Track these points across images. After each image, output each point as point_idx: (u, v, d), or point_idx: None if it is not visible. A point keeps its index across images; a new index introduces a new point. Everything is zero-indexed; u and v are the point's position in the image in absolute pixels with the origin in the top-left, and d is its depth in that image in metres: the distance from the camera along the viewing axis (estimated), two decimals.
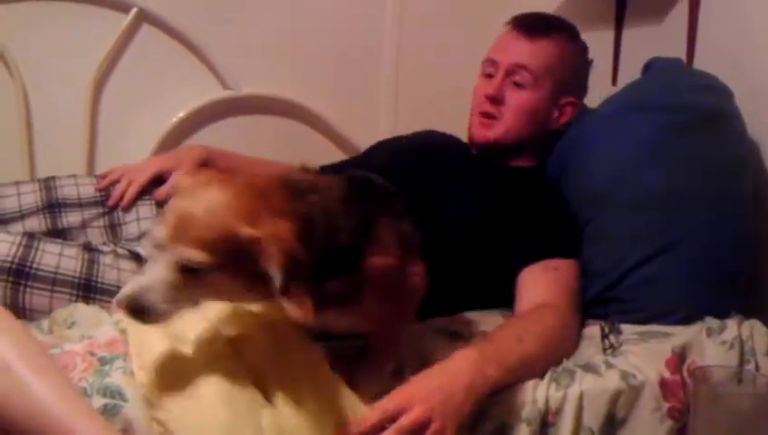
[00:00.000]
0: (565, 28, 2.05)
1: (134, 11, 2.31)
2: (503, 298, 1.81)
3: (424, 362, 1.50)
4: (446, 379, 1.41)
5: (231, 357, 1.37)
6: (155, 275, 1.22)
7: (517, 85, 1.96)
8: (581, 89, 2.06)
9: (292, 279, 1.21)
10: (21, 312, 1.65)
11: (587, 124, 1.98)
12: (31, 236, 1.72)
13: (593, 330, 1.73)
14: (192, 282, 1.22)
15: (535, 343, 1.56)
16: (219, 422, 1.28)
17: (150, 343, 1.36)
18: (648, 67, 2.03)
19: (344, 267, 1.32)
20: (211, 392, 1.30)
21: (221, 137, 2.38)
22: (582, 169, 1.91)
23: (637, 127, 1.87)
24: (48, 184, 2.00)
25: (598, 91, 2.09)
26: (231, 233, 1.20)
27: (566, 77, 2.00)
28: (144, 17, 2.33)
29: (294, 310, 1.22)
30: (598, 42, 2.05)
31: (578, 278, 1.79)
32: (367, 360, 1.46)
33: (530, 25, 2.00)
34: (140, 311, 1.22)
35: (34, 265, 1.67)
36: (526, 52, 1.97)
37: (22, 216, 1.93)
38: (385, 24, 2.53)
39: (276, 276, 1.20)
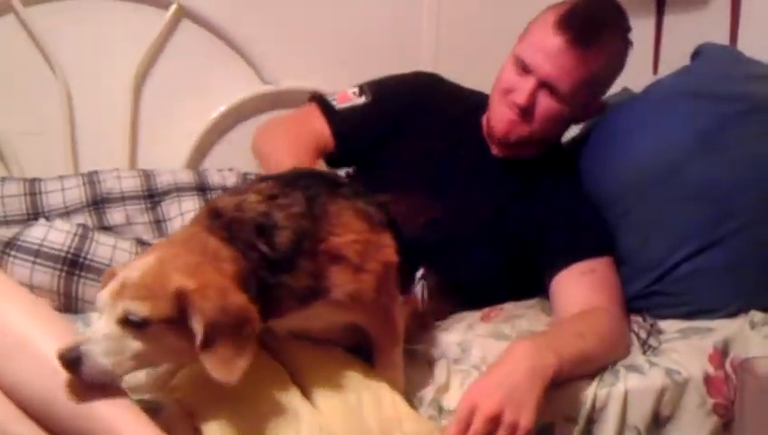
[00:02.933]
0: (616, 24, 1.85)
1: (174, 7, 2.32)
2: (530, 290, 1.82)
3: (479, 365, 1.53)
4: (506, 370, 1.42)
5: (267, 358, 1.39)
6: (96, 330, 1.24)
7: (550, 93, 1.79)
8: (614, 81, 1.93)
9: (219, 335, 1.20)
10: (74, 302, 1.68)
11: (630, 110, 1.94)
12: (86, 227, 1.74)
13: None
14: (137, 337, 1.23)
15: (594, 341, 1.55)
16: (259, 425, 1.29)
17: None
18: (698, 54, 1.99)
19: (300, 256, 1.31)
20: (250, 394, 1.32)
21: None
22: (625, 155, 1.86)
23: (689, 115, 1.83)
24: (91, 178, 2.02)
25: (637, 79, 2.06)
26: (168, 286, 1.22)
27: (605, 81, 1.88)
28: (184, 13, 2.33)
29: (216, 369, 1.21)
30: (638, 29, 2.00)
31: (616, 275, 1.76)
32: (375, 352, 1.46)
33: (579, 33, 1.75)
34: (74, 363, 1.21)
35: (89, 257, 1.69)
36: (567, 69, 1.76)
37: (67, 212, 1.95)
38: (423, 18, 2.52)
39: (198, 331, 1.21)
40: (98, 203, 1.98)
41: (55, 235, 1.68)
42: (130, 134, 2.35)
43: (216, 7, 2.34)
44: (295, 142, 1.90)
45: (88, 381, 1.22)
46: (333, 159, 1.98)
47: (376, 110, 1.98)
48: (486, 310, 1.77)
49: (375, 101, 1.98)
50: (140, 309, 1.20)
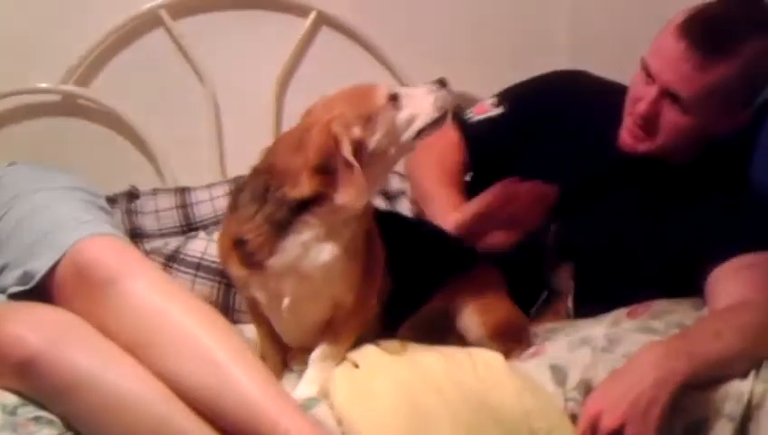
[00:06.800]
0: (754, 27, 1.65)
1: (313, 14, 2.38)
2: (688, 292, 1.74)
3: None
4: (632, 379, 1.39)
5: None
6: None
7: (673, 102, 1.67)
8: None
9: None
10: (230, 312, 1.75)
11: None
12: None
13: None
14: None
15: (734, 339, 1.48)
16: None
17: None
18: None
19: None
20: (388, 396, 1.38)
21: None
22: None
23: None
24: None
25: None
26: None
27: (743, 89, 1.70)
28: (323, 20, 2.39)
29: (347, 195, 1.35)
30: None
31: None
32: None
33: (701, 38, 1.62)
34: None
35: None
36: (687, 77, 1.63)
37: (217, 221, 2.02)
38: (557, 15, 2.50)
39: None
40: None
41: (215, 248, 1.76)
42: (274, 139, 2.41)
43: (354, 13, 2.39)
44: (441, 169, 1.93)
45: None
46: (472, 168, 1.99)
47: (512, 119, 1.95)
48: (633, 307, 1.72)
49: (512, 110, 1.96)
50: None
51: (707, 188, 1.78)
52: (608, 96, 1.87)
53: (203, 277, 1.75)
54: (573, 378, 1.47)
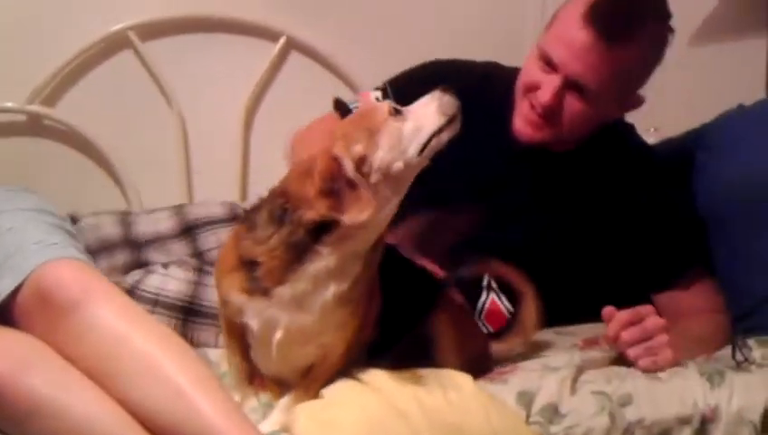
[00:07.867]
0: (652, 12, 1.69)
1: (283, 39, 2.39)
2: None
3: None
4: None
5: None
6: None
7: (577, 92, 1.67)
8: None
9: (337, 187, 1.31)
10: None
11: (735, 124, 1.91)
12: (200, 271, 1.79)
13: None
14: None
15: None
16: None
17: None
18: None
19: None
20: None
21: None
22: (728, 169, 1.85)
23: None
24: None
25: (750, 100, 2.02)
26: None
27: (641, 75, 1.73)
28: (292, 45, 2.41)
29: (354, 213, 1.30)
30: (750, 48, 1.97)
31: (711, 280, 1.77)
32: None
33: (608, 27, 1.62)
34: None
35: (204, 303, 1.73)
36: (595, 67, 1.64)
37: (155, 240, 1.93)
38: (527, 36, 2.52)
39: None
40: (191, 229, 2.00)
41: (172, 283, 1.74)
42: (242, 163, 2.42)
43: (323, 39, 2.41)
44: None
45: None
46: None
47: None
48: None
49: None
50: None
51: (609, 188, 1.80)
52: (492, 80, 1.87)
53: (161, 314, 1.73)
54: (539, 402, 1.47)
